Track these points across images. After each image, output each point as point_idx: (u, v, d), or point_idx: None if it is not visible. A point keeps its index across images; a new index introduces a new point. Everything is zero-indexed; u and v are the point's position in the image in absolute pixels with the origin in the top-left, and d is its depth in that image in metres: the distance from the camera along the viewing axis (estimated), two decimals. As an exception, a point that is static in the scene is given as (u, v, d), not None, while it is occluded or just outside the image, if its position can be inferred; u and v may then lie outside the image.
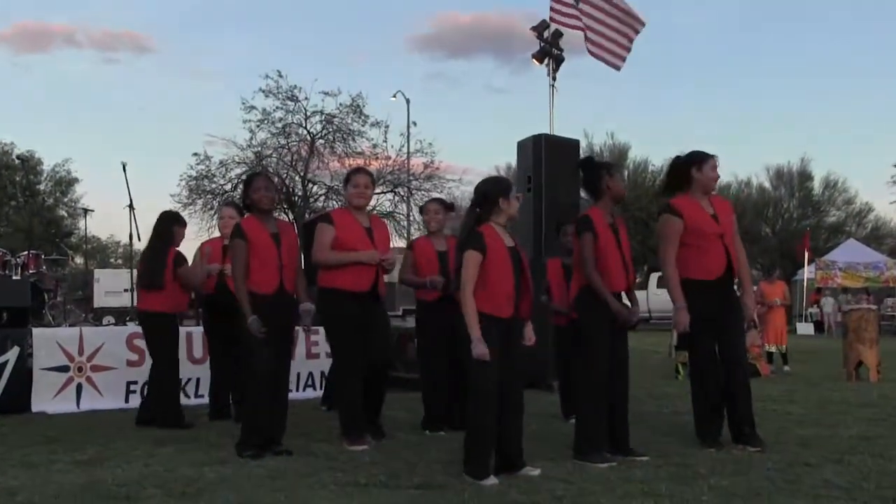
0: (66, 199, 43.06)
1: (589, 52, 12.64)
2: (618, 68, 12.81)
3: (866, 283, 28.89)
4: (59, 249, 16.24)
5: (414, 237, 27.97)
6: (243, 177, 26.32)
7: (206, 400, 8.02)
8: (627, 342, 5.85)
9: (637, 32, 12.84)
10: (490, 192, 5.19)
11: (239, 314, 5.79)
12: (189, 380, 8.61)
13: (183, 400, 8.42)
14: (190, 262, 7.76)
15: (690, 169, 6.05)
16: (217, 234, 8.25)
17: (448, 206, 7.20)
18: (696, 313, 5.85)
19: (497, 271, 4.99)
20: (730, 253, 5.96)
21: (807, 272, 29.84)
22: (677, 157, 6.21)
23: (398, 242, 27.90)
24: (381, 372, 6.38)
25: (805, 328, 28.41)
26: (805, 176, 44.00)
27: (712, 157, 6.07)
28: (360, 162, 27.00)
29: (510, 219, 5.20)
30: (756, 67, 64.53)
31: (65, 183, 42.92)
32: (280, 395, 5.88)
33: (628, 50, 12.79)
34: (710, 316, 5.87)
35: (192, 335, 8.64)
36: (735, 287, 6.12)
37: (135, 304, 7.47)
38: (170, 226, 7.32)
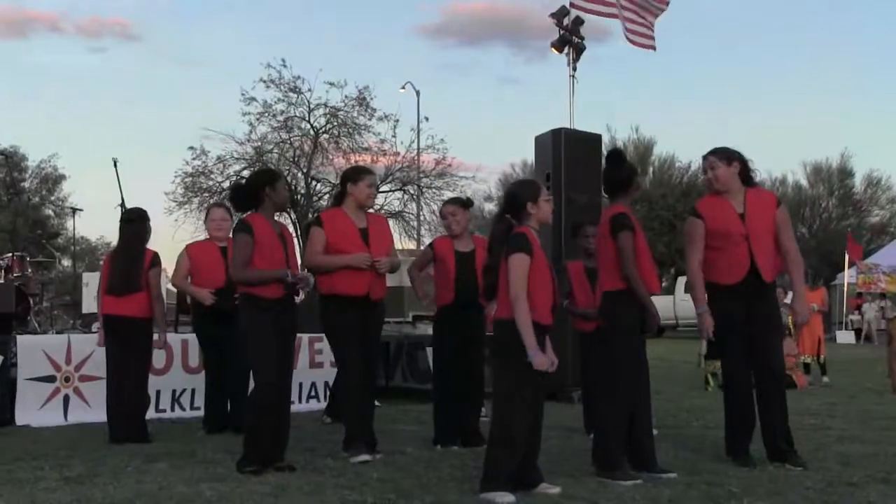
0: (52, 198, 43.33)
1: (628, 39, 12.74)
2: (653, 48, 12.91)
3: (912, 289, 28.74)
4: (46, 251, 16.28)
5: (424, 238, 28.09)
6: (243, 173, 26.42)
7: (202, 412, 8.00)
8: (646, 350, 5.85)
9: (661, 11, 12.91)
10: (518, 195, 5.22)
11: (236, 321, 5.84)
12: (184, 390, 8.63)
13: (178, 412, 8.48)
14: (174, 263, 7.84)
15: None
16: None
17: (465, 203, 7.18)
18: (721, 319, 5.88)
19: (541, 276, 5.03)
20: (755, 255, 5.88)
21: (847, 276, 29.74)
22: None
23: (408, 244, 27.93)
24: (372, 384, 6.51)
25: (845, 336, 28.30)
26: (845, 173, 43.89)
27: (703, 160, 6.12)
28: (366, 158, 27.07)
29: (541, 223, 5.23)
30: (792, 56, 64.37)
31: (51, 180, 43.19)
32: (282, 406, 5.89)
33: (652, 28, 12.89)
34: (737, 321, 5.87)
35: (188, 343, 8.66)
36: (779, 289, 6.11)
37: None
38: (145, 224, 7.42)
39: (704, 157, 6.10)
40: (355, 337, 6.23)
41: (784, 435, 5.90)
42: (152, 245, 7.48)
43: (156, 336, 7.53)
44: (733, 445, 5.98)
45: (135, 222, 7.38)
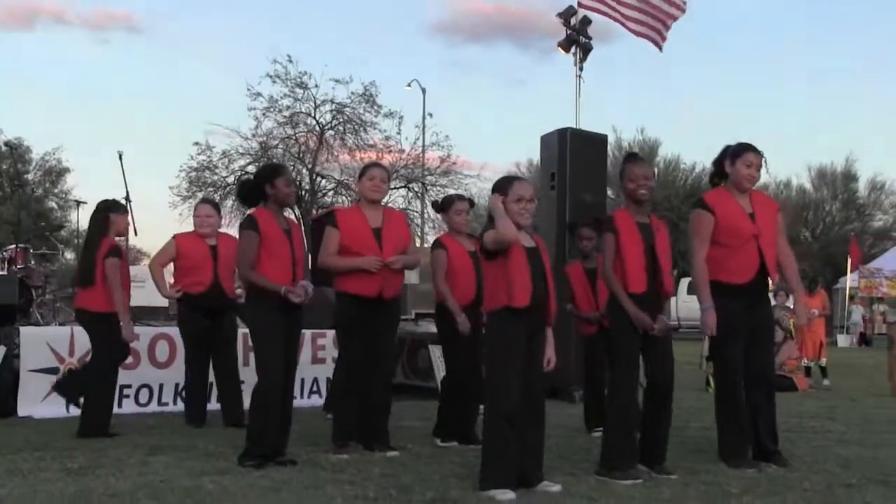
0: (56, 190, 43.37)
1: (631, 31, 12.71)
2: (660, 48, 12.89)
3: (914, 294, 28.81)
4: (49, 243, 16.31)
5: (428, 236, 28.09)
6: (248, 168, 26.45)
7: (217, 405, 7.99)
8: (670, 351, 5.80)
9: (675, 18, 12.88)
10: (492, 192, 5.28)
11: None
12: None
13: (180, 405, 8.43)
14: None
15: (724, 161, 6.00)
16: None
17: (471, 203, 7.21)
18: (723, 319, 5.78)
19: (512, 265, 5.03)
20: (764, 256, 5.91)
21: (849, 280, 29.72)
22: (727, 147, 6.07)
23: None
24: (385, 382, 6.47)
25: (846, 340, 28.32)
26: (849, 177, 43.85)
27: (748, 150, 5.92)
28: (371, 155, 27.13)
29: (514, 223, 5.10)
30: (799, 59, 64.27)
31: (55, 172, 43.21)
32: (285, 402, 5.92)
33: (667, 28, 12.85)
34: (738, 323, 5.83)
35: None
36: (771, 294, 6.06)
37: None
38: (104, 214, 7.17)
39: (751, 151, 5.90)
40: (362, 335, 6.25)
41: (773, 436, 5.93)
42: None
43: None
44: (733, 451, 5.89)
45: (96, 212, 7.21)
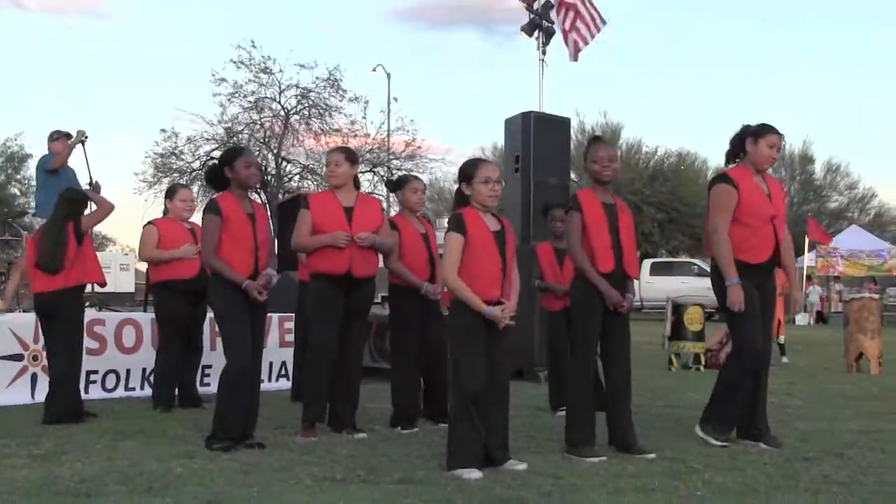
0: (18, 177, 42.85)
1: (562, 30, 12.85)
2: (575, 59, 13.11)
3: (869, 272, 29.16)
4: (12, 230, 16.11)
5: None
6: (213, 153, 26.30)
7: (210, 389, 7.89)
8: (628, 330, 5.80)
9: (598, 31, 13.13)
10: (459, 176, 5.28)
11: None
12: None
13: (147, 390, 8.38)
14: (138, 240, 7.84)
15: (746, 139, 5.95)
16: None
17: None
18: (746, 299, 5.72)
19: (480, 254, 5.06)
20: (778, 237, 5.91)
21: (807, 259, 30.01)
22: (746, 126, 6.03)
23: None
24: (354, 364, 6.43)
25: (804, 318, 28.61)
26: (806, 159, 44.28)
27: (772, 132, 5.90)
28: (337, 140, 27.05)
29: (482, 204, 5.17)
30: (756, 45, 64.73)
31: (17, 159, 42.70)
32: (252, 385, 5.89)
33: (587, 43, 13.05)
34: (756, 299, 5.82)
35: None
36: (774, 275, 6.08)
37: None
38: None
39: (775, 132, 5.90)
40: (333, 316, 6.21)
41: (764, 417, 5.95)
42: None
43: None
44: (723, 428, 5.85)
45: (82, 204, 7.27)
